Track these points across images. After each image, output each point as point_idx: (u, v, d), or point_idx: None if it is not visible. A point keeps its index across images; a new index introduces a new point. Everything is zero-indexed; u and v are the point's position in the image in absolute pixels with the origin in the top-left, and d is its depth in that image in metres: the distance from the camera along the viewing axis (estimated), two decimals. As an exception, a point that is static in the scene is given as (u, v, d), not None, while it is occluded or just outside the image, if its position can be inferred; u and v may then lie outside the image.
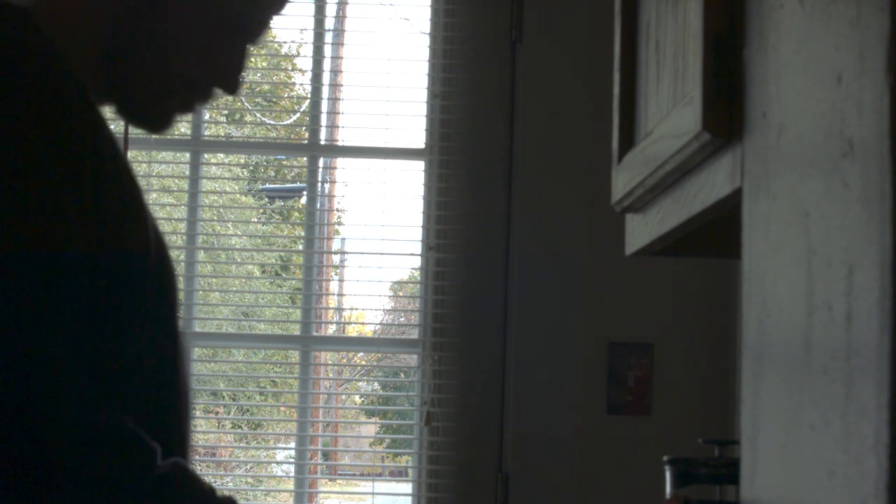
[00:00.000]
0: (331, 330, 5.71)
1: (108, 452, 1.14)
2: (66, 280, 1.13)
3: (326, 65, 3.48)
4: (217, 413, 5.20)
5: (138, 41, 1.31)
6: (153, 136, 3.00)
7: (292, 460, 3.43)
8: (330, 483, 4.52)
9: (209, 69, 1.35)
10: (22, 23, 1.27)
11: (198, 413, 3.55)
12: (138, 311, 1.22)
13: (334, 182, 4.77)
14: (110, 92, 1.34)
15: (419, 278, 3.38)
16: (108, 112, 1.37)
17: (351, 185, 4.48)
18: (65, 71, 1.22)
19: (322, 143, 3.61)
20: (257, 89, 4.51)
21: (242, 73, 1.39)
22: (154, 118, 1.36)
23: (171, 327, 1.30)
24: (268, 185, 8.88)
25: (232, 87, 1.37)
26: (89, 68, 1.31)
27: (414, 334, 3.33)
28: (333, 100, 3.51)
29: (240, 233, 3.65)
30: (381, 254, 3.36)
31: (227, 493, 1.31)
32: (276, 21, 1.42)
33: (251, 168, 4.48)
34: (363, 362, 9.42)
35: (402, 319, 8.10)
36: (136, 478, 1.15)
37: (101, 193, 1.18)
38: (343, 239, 6.40)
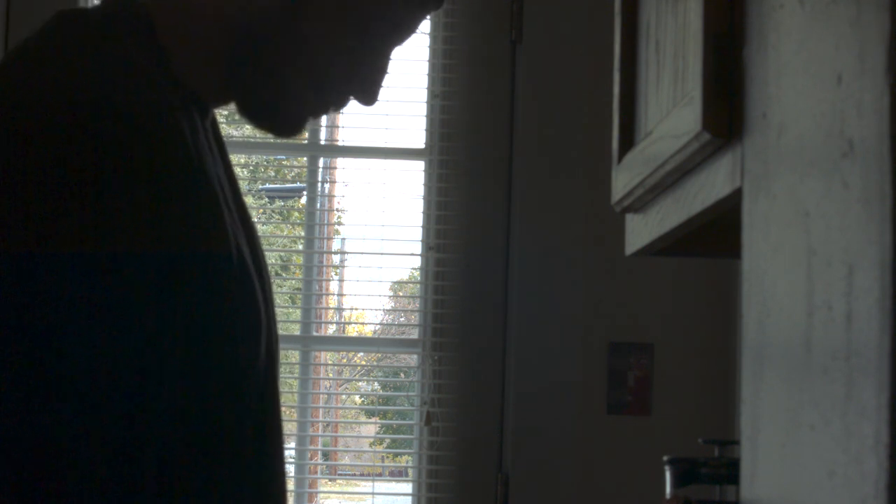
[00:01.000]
0: (331, 330, 5.71)
1: None
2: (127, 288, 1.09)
3: (326, 65, 3.47)
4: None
5: (267, 47, 1.24)
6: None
7: (292, 460, 3.43)
8: (330, 483, 4.51)
9: (348, 76, 1.27)
10: (125, 20, 1.22)
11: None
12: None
13: (334, 182, 4.77)
14: (233, 93, 1.28)
15: (419, 278, 3.38)
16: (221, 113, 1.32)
17: (351, 185, 4.48)
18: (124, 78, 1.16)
19: (322, 143, 3.61)
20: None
21: (383, 82, 1.30)
22: (283, 121, 1.29)
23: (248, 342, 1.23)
24: (268, 185, 8.88)
25: (371, 97, 1.29)
26: (209, 68, 1.25)
27: (414, 334, 3.33)
28: (333, 100, 3.51)
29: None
30: (381, 254, 3.36)
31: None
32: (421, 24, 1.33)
33: (251, 168, 4.48)
34: (363, 362, 9.42)
35: (402, 319, 8.10)
36: None
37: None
38: (343, 239, 6.40)
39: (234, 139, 3.45)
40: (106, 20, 1.22)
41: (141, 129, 1.12)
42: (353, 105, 1.33)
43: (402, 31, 1.29)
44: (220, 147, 1.33)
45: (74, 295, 1.07)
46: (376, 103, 1.32)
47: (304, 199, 4.97)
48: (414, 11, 1.29)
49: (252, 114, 1.29)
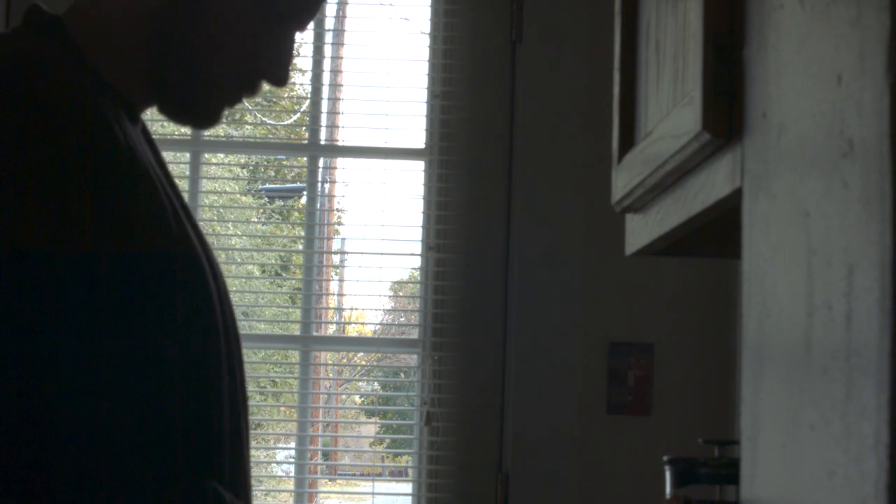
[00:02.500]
0: (331, 330, 5.71)
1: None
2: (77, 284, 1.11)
3: (326, 65, 3.48)
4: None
5: (180, 36, 1.28)
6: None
7: (292, 460, 3.43)
8: (330, 483, 4.51)
9: (255, 61, 1.31)
10: (43, 30, 1.26)
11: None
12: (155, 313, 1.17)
13: (334, 182, 4.77)
14: (155, 90, 1.31)
15: (419, 278, 3.38)
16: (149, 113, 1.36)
17: (351, 185, 4.48)
18: (69, 79, 1.19)
19: (322, 143, 3.61)
20: (257, 89, 4.47)
21: (291, 65, 1.35)
22: (201, 114, 1.33)
23: (202, 331, 1.24)
24: (268, 185, 8.88)
25: (280, 79, 1.33)
26: (129, 69, 1.29)
27: (414, 334, 3.33)
28: (333, 100, 3.51)
29: (240, 233, 3.65)
30: (381, 254, 3.36)
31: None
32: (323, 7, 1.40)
33: (251, 168, 4.48)
34: (363, 362, 9.42)
35: (402, 319, 8.09)
36: None
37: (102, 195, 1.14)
38: (343, 239, 6.39)
39: (235, 139, 3.44)
40: (26, 30, 1.26)
41: (72, 122, 1.14)
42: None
43: (305, 10, 1.33)
44: (153, 150, 1.35)
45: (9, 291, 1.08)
46: (288, 84, 1.39)
47: (304, 199, 4.97)
48: None
49: (172, 109, 1.33)
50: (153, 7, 1.28)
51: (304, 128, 7.76)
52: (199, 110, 1.33)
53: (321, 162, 3.52)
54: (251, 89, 1.33)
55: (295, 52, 1.36)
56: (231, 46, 1.29)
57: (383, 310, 9.38)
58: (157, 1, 1.28)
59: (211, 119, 1.34)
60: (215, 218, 5.81)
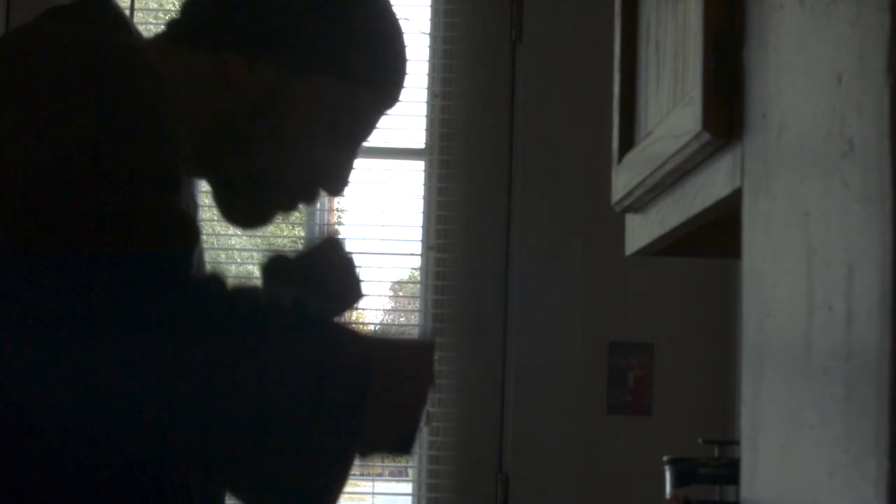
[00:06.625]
0: (331, 330, 5.70)
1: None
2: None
3: (326, 65, 3.47)
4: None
5: (247, 146, 1.26)
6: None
7: (292, 460, 3.43)
8: (330, 483, 4.50)
9: (316, 174, 1.30)
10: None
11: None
12: None
13: (334, 182, 4.75)
14: (205, 178, 1.31)
15: (419, 278, 3.38)
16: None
17: (351, 185, 4.47)
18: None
19: (322, 143, 3.60)
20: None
21: (349, 176, 1.33)
22: (253, 219, 1.33)
23: None
24: (268, 185, 8.85)
25: (338, 190, 1.32)
26: (189, 137, 1.25)
27: (414, 334, 3.33)
28: (333, 100, 3.51)
29: (240, 233, 3.65)
30: (382, 254, 3.36)
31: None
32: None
33: (251, 168, 4.48)
34: (363, 362, 9.40)
35: (402, 319, 8.09)
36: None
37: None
38: (343, 239, 6.39)
39: (234, 139, 3.44)
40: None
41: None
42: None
43: (365, 123, 1.32)
44: None
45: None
46: (343, 195, 1.38)
47: (304, 199, 4.96)
48: (377, 104, 1.31)
49: (223, 208, 1.33)
50: (231, 107, 1.26)
51: (304, 128, 7.74)
52: (249, 215, 1.32)
53: (321, 162, 3.51)
54: (309, 199, 1.33)
55: (352, 165, 1.34)
56: (296, 165, 1.28)
57: (383, 310, 9.37)
58: (236, 105, 1.26)
59: (260, 223, 1.33)
60: (215, 218, 5.79)
